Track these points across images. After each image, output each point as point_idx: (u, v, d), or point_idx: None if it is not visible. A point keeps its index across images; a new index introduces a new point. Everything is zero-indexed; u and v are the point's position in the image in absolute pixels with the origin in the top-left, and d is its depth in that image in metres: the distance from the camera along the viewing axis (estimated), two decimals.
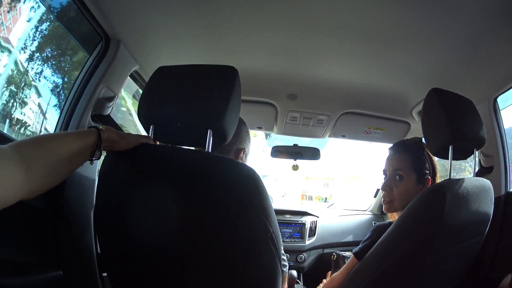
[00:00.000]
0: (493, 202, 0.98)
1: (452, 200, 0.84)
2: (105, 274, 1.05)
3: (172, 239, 0.70)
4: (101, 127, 0.65)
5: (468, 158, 1.06)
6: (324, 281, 1.46)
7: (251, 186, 0.68)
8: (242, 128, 1.05)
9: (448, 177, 0.91)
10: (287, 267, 1.22)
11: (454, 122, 0.87)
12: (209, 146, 0.68)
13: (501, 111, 1.32)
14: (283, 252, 1.14)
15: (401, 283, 0.90)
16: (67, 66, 1.34)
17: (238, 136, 1.03)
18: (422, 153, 1.14)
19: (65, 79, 1.33)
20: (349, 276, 1.03)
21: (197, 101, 0.70)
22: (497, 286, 1.02)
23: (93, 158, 0.64)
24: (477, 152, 1.05)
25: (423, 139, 1.14)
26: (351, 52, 1.20)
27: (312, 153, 1.87)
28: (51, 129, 1.20)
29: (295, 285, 1.72)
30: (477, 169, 1.35)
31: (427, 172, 1.11)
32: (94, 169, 1.04)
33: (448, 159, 0.90)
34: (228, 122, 0.70)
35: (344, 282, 1.05)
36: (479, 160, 1.35)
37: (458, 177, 0.93)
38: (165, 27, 1.11)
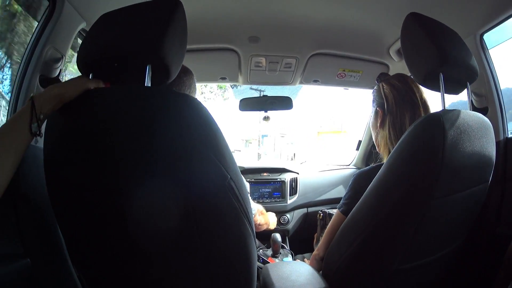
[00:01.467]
0: (495, 143, 0.87)
1: (452, 133, 0.73)
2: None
3: (119, 204, 0.62)
4: (34, 94, 0.62)
5: None
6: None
7: (196, 119, 0.59)
8: (194, 79, 1.01)
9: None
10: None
11: (442, 45, 0.77)
12: (148, 81, 0.63)
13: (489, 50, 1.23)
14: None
15: (400, 238, 0.78)
16: (19, 32, 1.30)
17: (191, 87, 0.98)
18: (377, 87, 1.07)
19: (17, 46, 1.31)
20: (336, 237, 0.93)
21: (133, 38, 0.64)
22: (507, 244, 0.90)
23: (34, 131, 0.60)
24: (467, 92, 0.98)
25: None
26: None
27: (284, 103, 1.75)
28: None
29: (281, 250, 1.61)
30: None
31: (380, 103, 1.03)
32: None
33: (438, 90, 0.80)
34: (169, 55, 0.64)
35: (334, 241, 0.94)
36: (471, 101, 1.24)
37: None
38: None
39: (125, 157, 0.60)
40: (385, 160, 0.89)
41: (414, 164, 0.76)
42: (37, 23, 1.08)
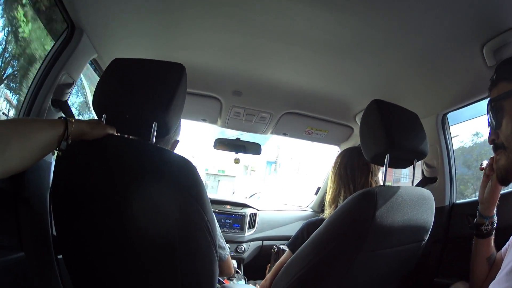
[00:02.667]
0: (433, 211, 1.00)
1: (383, 206, 0.86)
2: (60, 256, 1.07)
3: (120, 224, 0.76)
4: (70, 119, 0.69)
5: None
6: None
7: (188, 176, 0.74)
8: (180, 124, 1.11)
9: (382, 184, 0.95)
10: (228, 253, 1.27)
11: (391, 133, 0.90)
12: (153, 138, 0.75)
13: (450, 127, 1.37)
14: (223, 240, 1.20)
15: (333, 277, 0.93)
16: (32, 52, 1.36)
17: (177, 130, 1.09)
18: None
19: (28, 65, 1.35)
20: (285, 267, 1.07)
21: (146, 95, 0.76)
22: None
23: (59, 148, 0.68)
24: (420, 163, 1.12)
25: None
26: (297, 56, 1.24)
27: (254, 148, 1.93)
28: (13, 113, 1.25)
29: (236, 274, 1.79)
30: (418, 178, 1.42)
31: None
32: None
33: (384, 166, 0.93)
34: (172, 117, 0.77)
35: (280, 273, 1.08)
36: (422, 170, 1.41)
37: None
38: (125, 20, 1.15)
39: (125, 197, 0.73)
40: (326, 215, 1.09)
41: (347, 226, 0.90)
42: (50, 46, 1.15)
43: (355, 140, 1.94)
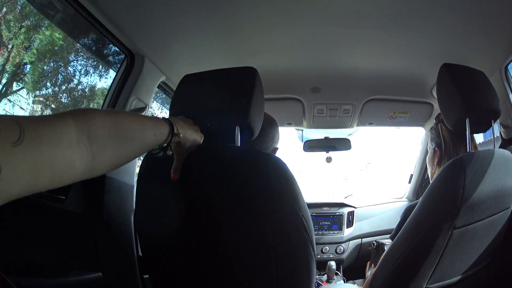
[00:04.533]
0: None
1: (472, 174, 0.84)
2: (146, 276, 1.11)
3: (209, 236, 0.74)
4: (171, 118, 0.63)
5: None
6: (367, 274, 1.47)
7: (280, 174, 0.72)
8: (277, 129, 1.10)
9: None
10: None
11: (467, 95, 0.88)
12: (237, 141, 0.74)
13: None
14: None
15: (430, 259, 0.89)
16: (98, 85, 1.47)
17: (274, 138, 1.08)
18: (435, 126, 1.17)
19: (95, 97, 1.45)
20: (381, 260, 1.05)
21: (223, 101, 0.76)
22: None
23: (160, 153, 0.62)
24: (496, 125, 1.06)
25: None
26: (366, 39, 1.24)
27: (344, 144, 1.91)
28: None
29: (335, 276, 1.75)
30: (499, 142, 1.35)
31: (438, 143, 1.14)
32: (132, 175, 1.11)
33: (465, 133, 0.91)
34: (254, 118, 0.75)
35: (379, 265, 1.06)
36: (500, 133, 1.34)
37: None
38: (185, 37, 1.17)
39: (221, 206, 0.72)
40: None
41: (439, 201, 0.88)
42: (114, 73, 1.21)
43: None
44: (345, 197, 2.68)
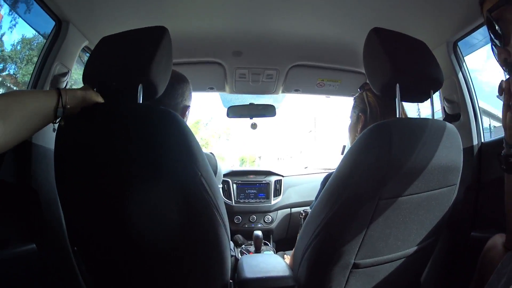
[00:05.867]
0: (461, 150, 0.89)
1: (400, 139, 0.78)
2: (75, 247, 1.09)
3: (119, 202, 0.74)
4: (62, 88, 0.69)
5: None
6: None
7: (177, 131, 0.72)
8: (187, 87, 1.07)
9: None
10: None
11: (396, 58, 0.82)
12: (140, 98, 0.74)
13: (465, 57, 1.26)
14: None
15: (353, 230, 0.83)
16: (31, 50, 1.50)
17: (184, 95, 1.05)
18: (359, 95, 1.13)
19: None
20: (301, 232, 1.00)
21: (127, 60, 0.76)
22: (481, 246, 0.90)
23: (57, 121, 0.68)
24: (439, 98, 1.03)
25: None
26: (293, 1, 1.17)
27: (267, 110, 1.87)
28: None
29: (263, 246, 1.73)
30: (439, 114, 1.32)
31: (363, 109, 1.09)
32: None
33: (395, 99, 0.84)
34: (157, 76, 0.75)
35: (298, 239, 1.02)
36: (444, 108, 1.31)
37: None
38: (107, 2, 1.16)
39: (123, 161, 0.72)
40: None
41: (361, 166, 0.81)
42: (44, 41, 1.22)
43: None
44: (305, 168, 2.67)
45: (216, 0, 1.17)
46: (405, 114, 1.06)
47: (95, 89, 0.76)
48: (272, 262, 1.07)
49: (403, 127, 0.80)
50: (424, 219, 0.88)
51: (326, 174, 1.09)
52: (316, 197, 1.08)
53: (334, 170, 1.00)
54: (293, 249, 1.12)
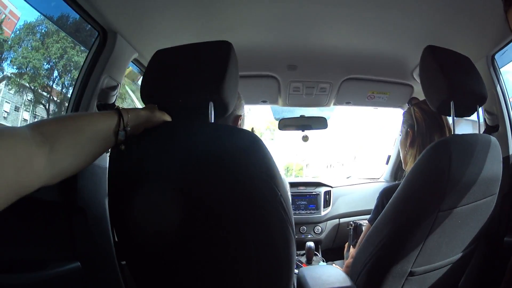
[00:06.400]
0: (501, 160, 0.95)
1: (458, 155, 0.83)
2: (124, 262, 1.08)
3: (186, 220, 0.70)
4: (121, 107, 0.63)
5: None
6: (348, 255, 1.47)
7: (253, 148, 0.68)
8: (240, 99, 1.07)
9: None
10: None
11: (451, 77, 0.87)
12: (211, 117, 0.70)
13: (500, 69, 1.31)
14: None
15: (413, 243, 0.89)
16: (71, 63, 1.43)
17: (237, 105, 1.04)
18: (407, 110, 1.17)
19: (69, 75, 1.43)
20: (362, 243, 1.03)
21: (196, 76, 0.72)
22: None
23: (120, 138, 0.61)
24: (481, 110, 1.05)
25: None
26: (347, 17, 1.20)
27: (319, 122, 1.90)
28: None
29: (314, 257, 1.76)
30: (483, 128, 1.34)
31: (411, 124, 1.14)
32: (104, 157, 1.04)
33: (450, 115, 0.90)
34: (228, 94, 0.72)
35: (360, 248, 1.05)
36: (485, 119, 1.34)
37: None
38: (158, 11, 1.13)
39: (196, 183, 0.68)
40: None
41: (424, 182, 0.87)
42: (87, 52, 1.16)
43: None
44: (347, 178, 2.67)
45: (272, 15, 1.19)
46: (450, 129, 1.08)
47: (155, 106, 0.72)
48: (333, 274, 1.09)
49: (459, 144, 0.86)
50: (470, 227, 0.95)
51: (380, 185, 1.12)
52: (375, 210, 1.12)
53: (390, 184, 1.08)
54: (349, 259, 1.16)
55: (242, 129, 0.75)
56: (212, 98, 0.70)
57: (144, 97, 0.75)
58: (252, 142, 0.68)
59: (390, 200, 0.95)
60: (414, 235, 0.88)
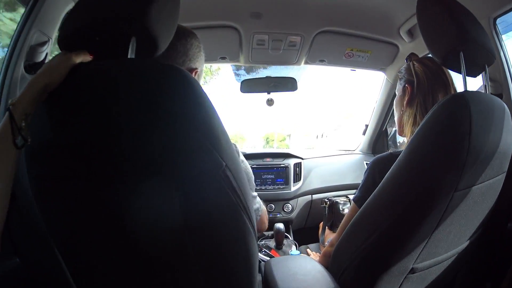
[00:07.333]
0: None
1: (478, 118, 0.66)
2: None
3: (111, 184, 0.54)
4: (11, 100, 0.53)
5: None
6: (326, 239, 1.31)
7: (191, 97, 0.52)
8: (193, 43, 0.85)
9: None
10: (261, 210, 1.02)
11: (461, 22, 0.73)
12: (131, 54, 0.56)
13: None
14: (254, 193, 0.93)
15: (421, 234, 0.71)
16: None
17: (188, 53, 0.84)
18: (406, 66, 1.00)
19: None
20: (348, 232, 0.84)
21: (116, 7, 0.56)
22: None
23: (20, 145, 0.53)
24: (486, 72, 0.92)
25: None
26: None
27: (288, 84, 1.69)
28: None
29: (284, 240, 1.53)
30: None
31: (410, 80, 0.96)
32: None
33: (458, 70, 0.76)
34: (156, 26, 0.56)
35: (342, 240, 0.86)
36: (485, 86, 1.20)
37: None
38: None
39: (114, 137, 0.53)
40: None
41: (438, 151, 0.68)
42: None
43: (401, 63, 1.65)
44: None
45: None
46: (455, 89, 0.93)
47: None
48: (311, 271, 0.88)
49: (478, 104, 0.69)
50: (480, 211, 0.80)
51: (358, 157, 0.93)
52: (362, 187, 0.92)
53: (383, 153, 0.91)
54: (327, 247, 0.99)
55: (173, 66, 0.55)
56: (135, 32, 0.56)
57: (60, 42, 0.59)
58: (184, 85, 0.53)
59: (386, 177, 0.76)
60: (422, 223, 0.70)
